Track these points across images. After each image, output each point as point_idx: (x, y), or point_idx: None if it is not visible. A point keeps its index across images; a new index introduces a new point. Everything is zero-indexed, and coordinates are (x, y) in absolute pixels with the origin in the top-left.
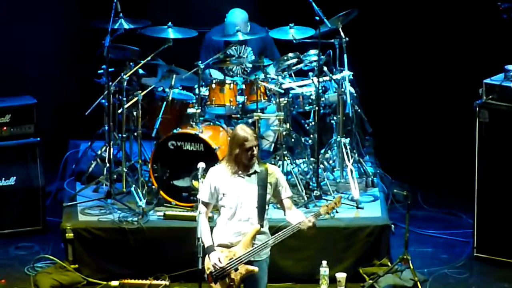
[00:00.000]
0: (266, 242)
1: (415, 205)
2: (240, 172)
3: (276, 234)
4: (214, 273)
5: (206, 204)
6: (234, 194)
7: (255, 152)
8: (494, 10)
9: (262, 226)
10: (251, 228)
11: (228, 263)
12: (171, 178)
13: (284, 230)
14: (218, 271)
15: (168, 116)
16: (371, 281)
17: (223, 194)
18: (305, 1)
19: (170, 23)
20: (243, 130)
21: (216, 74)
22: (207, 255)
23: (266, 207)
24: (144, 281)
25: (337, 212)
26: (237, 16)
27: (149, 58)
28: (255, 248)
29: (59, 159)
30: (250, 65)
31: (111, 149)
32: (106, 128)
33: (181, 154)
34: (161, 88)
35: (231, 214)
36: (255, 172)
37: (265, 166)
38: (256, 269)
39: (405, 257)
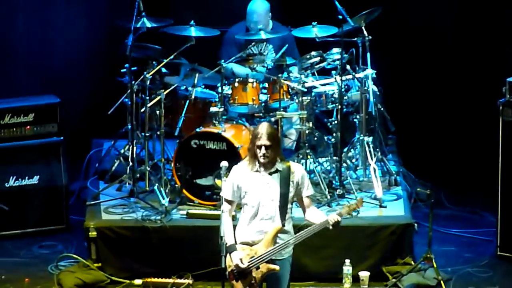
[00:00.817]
0: (287, 241)
1: (438, 204)
2: (262, 169)
3: (298, 234)
4: (235, 271)
5: (229, 202)
6: (256, 192)
7: (264, 151)
8: None
9: (284, 225)
10: (273, 226)
11: (249, 262)
12: (194, 176)
13: (305, 230)
14: (240, 269)
15: (191, 114)
16: (394, 280)
17: (245, 192)
18: (328, 0)
19: (192, 21)
20: (261, 127)
21: (238, 69)
22: (229, 254)
23: (289, 206)
24: (167, 280)
25: (358, 212)
26: (259, 6)
27: (171, 57)
28: (277, 247)
29: (82, 158)
30: (272, 63)
31: (134, 148)
32: (129, 127)
33: (203, 152)
34: (184, 86)
35: (254, 213)
36: (277, 170)
37: (288, 164)
38: (277, 267)
39: (428, 256)
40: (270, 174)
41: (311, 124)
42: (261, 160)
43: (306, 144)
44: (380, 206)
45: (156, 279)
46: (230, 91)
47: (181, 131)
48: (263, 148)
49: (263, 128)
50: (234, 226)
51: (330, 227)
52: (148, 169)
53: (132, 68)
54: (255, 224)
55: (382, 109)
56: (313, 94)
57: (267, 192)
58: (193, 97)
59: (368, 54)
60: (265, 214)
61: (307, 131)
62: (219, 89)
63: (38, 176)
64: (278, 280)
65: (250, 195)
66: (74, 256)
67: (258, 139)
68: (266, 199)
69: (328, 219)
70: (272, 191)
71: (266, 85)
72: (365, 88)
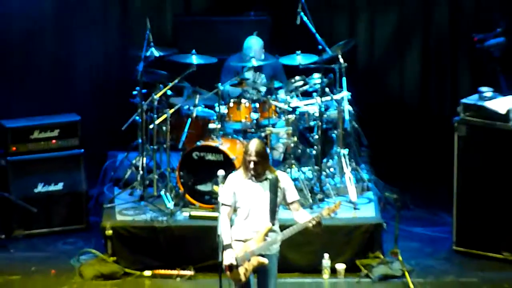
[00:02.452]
0: (275, 238)
1: (404, 206)
2: (253, 178)
3: (285, 231)
4: (229, 265)
5: (226, 206)
6: (249, 197)
7: (253, 166)
8: (470, 41)
9: (273, 224)
10: (264, 226)
11: (242, 255)
12: (195, 183)
13: (290, 228)
14: (233, 265)
15: (192, 130)
16: (366, 271)
17: (240, 197)
18: (310, 33)
19: (194, 51)
20: (250, 144)
21: (234, 92)
22: (225, 251)
23: (277, 209)
24: (172, 271)
25: (336, 214)
26: (254, 43)
27: (176, 81)
28: (266, 243)
29: (99, 168)
30: (264, 88)
31: (144, 159)
32: (140, 141)
33: (203, 163)
34: (187, 106)
35: (246, 214)
36: (266, 178)
37: (275, 173)
38: (266, 261)
39: (395, 250)
40: (261, 181)
41: (295, 139)
42: (251, 172)
43: (292, 156)
44: (355, 209)
45: (163, 271)
46: (226, 110)
47: (184, 145)
48: (252, 163)
49: (253, 146)
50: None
51: (311, 226)
52: (156, 177)
53: (142, 91)
54: (248, 225)
55: (356, 126)
56: (297, 112)
57: (258, 197)
58: (194, 115)
59: (344, 79)
60: (256, 216)
61: (292, 145)
62: (217, 109)
63: (62, 183)
64: (267, 272)
65: (243, 200)
66: (93, 251)
67: (248, 155)
68: (258, 204)
69: (310, 219)
70: (263, 197)
71: (257, 105)
72: (342, 108)
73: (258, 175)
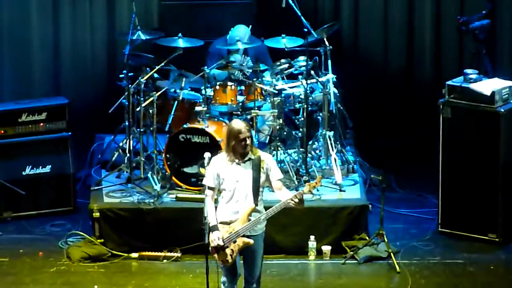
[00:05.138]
0: (259, 217)
1: (389, 188)
2: (237, 160)
3: (268, 210)
4: (216, 246)
5: (211, 188)
6: (232, 179)
7: (248, 142)
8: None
9: (256, 205)
10: (247, 206)
11: (228, 237)
12: (181, 166)
13: (273, 207)
14: (219, 246)
15: (179, 113)
16: (351, 252)
17: (223, 179)
18: (296, 16)
19: (180, 34)
20: (237, 124)
21: (220, 75)
22: (211, 232)
23: (260, 189)
24: (159, 253)
25: (318, 190)
26: (241, 31)
27: (162, 64)
28: (250, 223)
29: (87, 150)
30: (250, 70)
31: (131, 141)
32: (127, 123)
33: (190, 145)
34: (173, 89)
35: (230, 196)
36: (249, 159)
37: (258, 154)
38: (251, 241)
39: (380, 232)
40: (244, 162)
41: (281, 121)
42: (246, 150)
43: (277, 138)
44: (340, 190)
45: (150, 253)
46: (212, 93)
47: (170, 127)
48: (247, 139)
49: (239, 124)
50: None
51: (292, 204)
52: (143, 159)
53: (129, 74)
54: (232, 206)
55: (341, 108)
56: (283, 95)
57: (241, 178)
58: (180, 98)
59: (329, 61)
60: (240, 197)
61: (278, 127)
62: (203, 91)
63: (50, 166)
64: (253, 253)
65: (227, 182)
66: (81, 233)
67: (241, 135)
68: (241, 184)
69: (292, 197)
70: (246, 177)
71: (243, 87)
72: (327, 90)
73: (246, 154)
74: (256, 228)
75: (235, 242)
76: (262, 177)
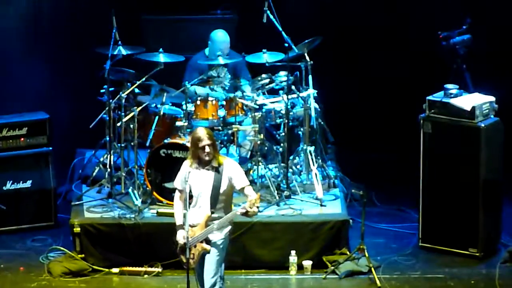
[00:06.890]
0: (212, 225)
1: (370, 203)
2: (201, 167)
3: (219, 220)
4: (180, 246)
5: (180, 191)
6: (196, 185)
7: (208, 150)
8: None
9: (213, 212)
10: (204, 214)
11: (190, 240)
12: (162, 181)
13: (224, 217)
14: (181, 245)
15: (160, 128)
16: (332, 267)
17: (190, 185)
18: (276, 31)
19: (161, 49)
20: (198, 132)
21: (200, 90)
22: (177, 231)
23: (223, 197)
24: (140, 268)
25: (258, 207)
26: (221, 36)
27: (143, 79)
28: (204, 231)
29: (68, 165)
30: (229, 84)
31: (112, 156)
32: (108, 138)
33: (171, 160)
34: (154, 104)
35: (195, 201)
36: (212, 167)
37: (222, 161)
38: (208, 247)
39: (361, 247)
40: (207, 170)
41: (262, 136)
42: (207, 158)
43: (258, 153)
44: (321, 205)
45: (130, 268)
46: (193, 108)
47: (151, 142)
48: (206, 147)
49: (202, 131)
50: None
51: (240, 214)
52: (124, 174)
53: (110, 89)
54: (196, 211)
55: (322, 123)
56: (264, 110)
57: (203, 185)
58: (161, 113)
59: (310, 77)
60: (202, 203)
61: (259, 142)
62: (184, 106)
63: (30, 181)
64: (207, 260)
65: (193, 187)
66: (62, 248)
67: (200, 141)
68: (203, 191)
69: (239, 209)
70: (207, 184)
71: (224, 102)
72: (308, 105)
73: (210, 160)
74: (213, 236)
75: (195, 246)
76: (224, 185)
